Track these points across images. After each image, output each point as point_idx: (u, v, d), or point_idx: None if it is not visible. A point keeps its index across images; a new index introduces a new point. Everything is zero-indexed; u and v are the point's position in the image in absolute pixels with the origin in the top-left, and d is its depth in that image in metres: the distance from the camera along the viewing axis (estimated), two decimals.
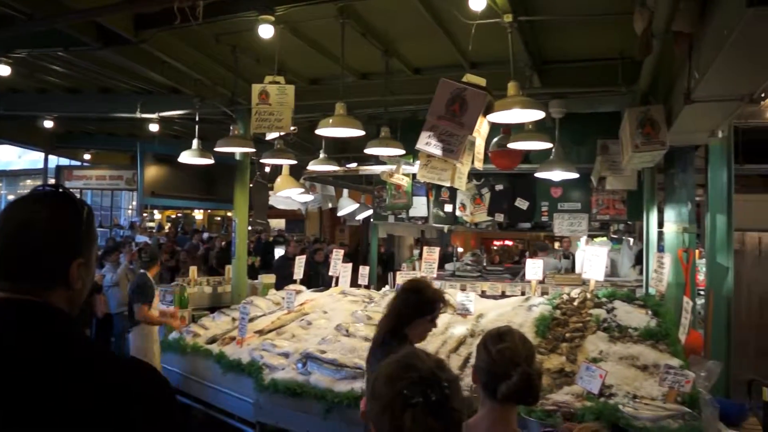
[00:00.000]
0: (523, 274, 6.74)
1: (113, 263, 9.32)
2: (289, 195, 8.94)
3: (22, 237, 1.32)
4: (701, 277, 6.99)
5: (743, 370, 6.62)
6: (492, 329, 2.25)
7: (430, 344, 4.86)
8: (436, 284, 7.51)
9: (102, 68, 7.77)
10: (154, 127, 9.77)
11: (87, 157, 17.78)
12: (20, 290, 1.30)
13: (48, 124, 10.84)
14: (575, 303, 5.34)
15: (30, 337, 1.26)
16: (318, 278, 10.27)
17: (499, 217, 8.71)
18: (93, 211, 1.44)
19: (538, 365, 2.25)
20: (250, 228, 12.07)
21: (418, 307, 3.11)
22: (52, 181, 16.23)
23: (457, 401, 1.50)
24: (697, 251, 6.70)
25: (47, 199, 1.37)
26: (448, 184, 5.78)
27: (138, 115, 8.82)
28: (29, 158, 22.26)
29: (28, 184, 22.83)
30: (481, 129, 4.83)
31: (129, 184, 16.82)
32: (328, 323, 5.78)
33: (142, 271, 6.77)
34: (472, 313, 5.42)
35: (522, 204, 8.56)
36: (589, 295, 5.41)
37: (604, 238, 10.34)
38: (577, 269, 9.45)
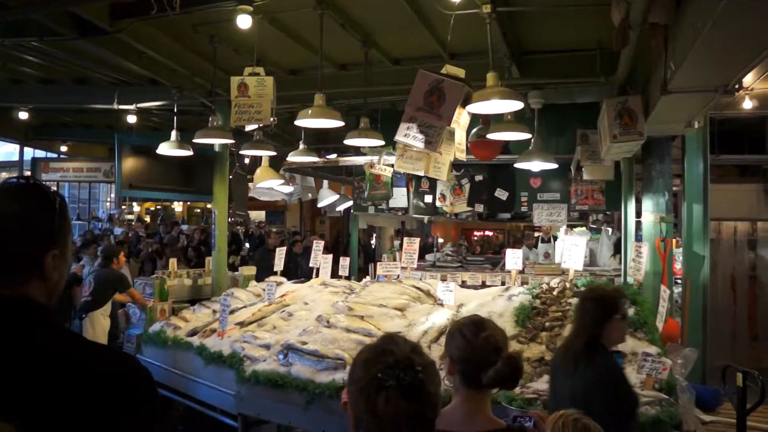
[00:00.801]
0: (503, 265, 6.79)
1: (91, 256, 9.23)
2: (269, 186, 8.90)
3: None
4: (678, 265, 7.09)
5: (719, 357, 6.76)
6: (463, 318, 2.27)
7: (410, 334, 4.89)
8: (416, 275, 7.59)
9: (78, 58, 7.64)
10: (131, 119, 9.64)
11: (63, 149, 17.52)
12: None
13: (23, 115, 10.65)
14: (555, 292, 5.39)
15: (6, 330, 1.25)
16: (297, 270, 10.26)
17: (479, 208, 8.76)
18: (65, 201, 1.43)
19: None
20: (230, 220, 12.00)
21: (604, 311, 2.96)
22: (27, 173, 15.97)
23: (433, 385, 1.54)
24: (674, 240, 6.80)
25: (18, 190, 1.36)
26: (422, 174, 5.81)
27: (115, 106, 8.68)
28: (4, 150, 21.84)
29: (3, 176, 22.40)
30: (461, 120, 4.84)
31: (107, 176, 16.61)
32: (308, 314, 5.78)
33: (105, 269, 7.18)
34: (453, 303, 5.45)
35: (502, 194, 8.61)
36: (568, 285, 5.47)
37: (583, 228, 10.45)
38: (557, 259, 9.54)
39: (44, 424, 1.17)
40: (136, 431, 1.27)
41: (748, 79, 5.95)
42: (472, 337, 2.12)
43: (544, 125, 7.04)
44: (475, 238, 22.52)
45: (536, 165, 6.79)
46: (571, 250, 5.80)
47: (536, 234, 12.23)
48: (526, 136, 5.94)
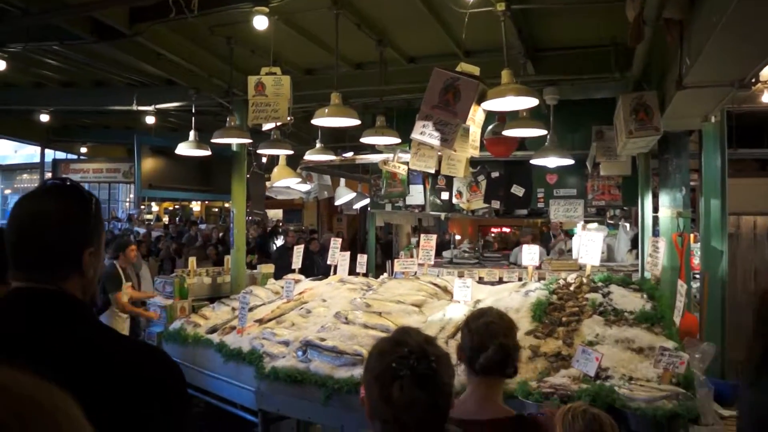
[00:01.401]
0: (521, 260, 6.81)
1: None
2: (286, 185, 8.98)
3: (35, 229, 1.37)
4: (696, 260, 7.06)
5: (738, 352, 6.71)
6: (474, 310, 2.31)
7: (428, 329, 4.93)
8: (433, 271, 7.62)
9: (97, 61, 7.76)
10: (150, 120, 9.76)
11: (83, 150, 17.74)
12: (36, 280, 1.35)
13: (44, 118, 10.83)
14: (572, 288, 5.39)
15: (50, 324, 1.31)
16: (313, 267, 10.35)
17: (496, 204, 8.78)
18: (99, 202, 1.51)
19: (517, 340, 2.31)
20: (249, 218, 12.10)
21: None
22: (48, 174, 16.20)
23: (446, 375, 1.59)
24: (692, 235, 6.76)
25: (57, 191, 1.43)
26: (433, 171, 5.84)
27: (134, 107, 8.80)
28: (25, 152, 22.23)
29: (25, 179, 22.79)
30: (476, 117, 4.87)
31: (126, 176, 16.79)
32: (327, 311, 5.84)
33: (108, 261, 7.13)
34: (470, 299, 5.48)
35: (518, 191, 8.62)
36: (585, 280, 5.46)
37: (596, 225, 10.42)
38: (574, 255, 9.52)
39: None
40: (170, 424, 1.33)
41: (766, 72, 5.91)
42: (473, 323, 2.17)
43: (560, 121, 7.04)
44: (492, 234, 22.44)
45: (552, 161, 6.79)
46: (588, 245, 5.79)
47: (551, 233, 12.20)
48: (542, 132, 5.95)
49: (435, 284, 6.05)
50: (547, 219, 9.36)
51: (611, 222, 10.47)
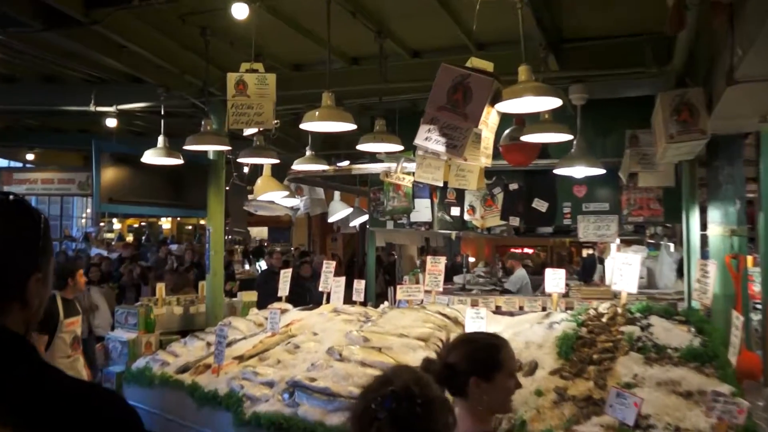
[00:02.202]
0: (544, 287, 6.81)
1: None
2: (271, 199, 9.01)
3: None
4: (756, 287, 7.00)
5: None
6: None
7: None
8: (442, 300, 7.61)
9: (47, 53, 7.74)
10: (111, 122, 9.80)
11: (30, 157, 17.65)
12: None
13: None
14: (604, 319, 5.39)
15: None
16: (305, 295, 10.35)
17: (515, 221, 8.78)
18: (48, 219, 1.51)
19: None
20: (228, 237, 12.10)
21: None
22: None
23: (433, 422, 1.60)
24: (749, 257, 6.73)
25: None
26: (441, 183, 5.85)
27: (92, 108, 8.77)
28: None
29: None
30: (489, 120, 4.90)
31: (82, 188, 16.76)
32: (318, 346, 5.84)
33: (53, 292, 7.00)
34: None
35: (540, 205, 8.63)
36: (620, 310, 5.45)
37: (634, 245, 10.41)
38: (607, 280, 9.51)
39: None
40: None
41: None
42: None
43: (588, 124, 7.06)
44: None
45: (580, 170, 6.80)
46: (623, 269, 5.77)
47: (585, 254, 12.20)
48: (567, 137, 5.97)
49: (444, 315, 6.06)
50: (576, 237, 9.35)
51: (651, 241, 10.48)
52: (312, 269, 11.86)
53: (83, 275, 7.26)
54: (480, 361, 2.56)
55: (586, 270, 12.36)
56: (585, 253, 17.39)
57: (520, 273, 10.93)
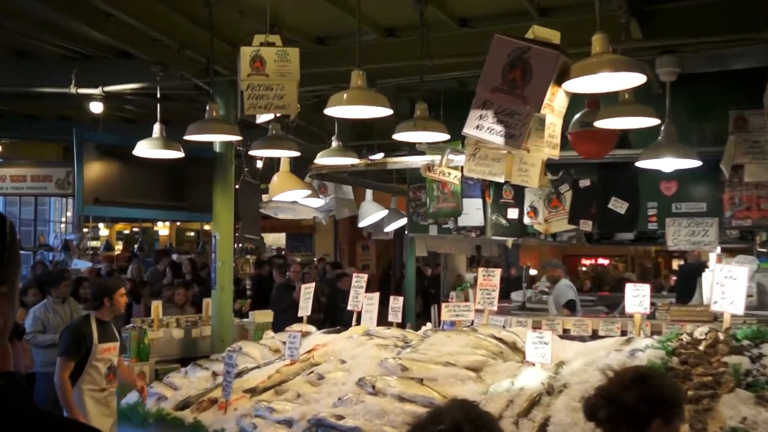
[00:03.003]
0: (623, 306, 6.79)
1: (57, 297, 9.61)
2: (291, 199, 9.09)
3: None
4: None
5: None
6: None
7: (490, 404, 4.96)
8: (497, 321, 7.62)
9: (15, 22, 7.82)
10: (96, 107, 9.89)
11: None
12: None
13: None
14: (701, 347, 5.34)
15: None
16: (338, 315, 10.40)
17: (586, 226, 8.74)
18: (14, 224, 1.56)
19: None
20: (238, 245, 12.17)
21: None
22: None
23: None
24: None
25: None
26: (501, 179, 5.85)
27: (72, 89, 8.84)
28: None
29: None
30: (555, 103, 4.92)
31: (62, 187, 16.81)
32: (346, 377, 5.90)
33: (86, 312, 7.03)
34: (549, 362, 5.50)
35: (619, 206, 8.59)
36: (722, 336, 5.41)
37: (740, 255, 10.27)
38: (705, 298, 9.42)
39: None
40: None
41: None
42: None
43: (680, 106, 7.03)
44: (583, 268, 22.32)
45: (669, 163, 6.77)
46: (726, 285, 5.74)
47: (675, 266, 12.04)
48: (653, 121, 5.95)
49: (500, 339, 6.08)
50: (663, 245, 9.29)
51: (762, 250, 10.32)
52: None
53: (124, 294, 7.20)
54: (664, 403, 2.74)
55: (684, 283, 11.88)
56: (676, 265, 17.22)
57: (564, 285, 10.55)
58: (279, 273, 13.26)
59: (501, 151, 5.09)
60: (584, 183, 8.72)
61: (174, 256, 17.78)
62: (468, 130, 4.67)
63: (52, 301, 9.55)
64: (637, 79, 4.86)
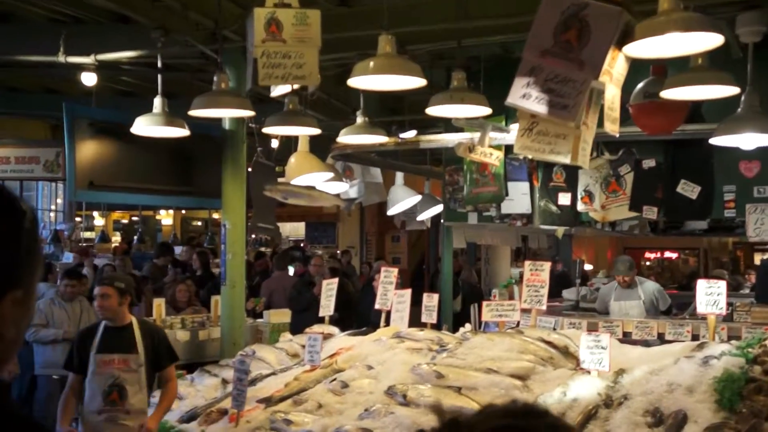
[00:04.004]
0: (694, 307, 6.73)
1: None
2: (310, 184, 9.10)
3: None
4: None
5: None
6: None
7: None
8: (547, 322, 7.57)
9: None
10: (88, 79, 9.97)
11: None
12: None
13: None
14: None
15: None
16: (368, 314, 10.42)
17: (650, 213, 8.69)
18: (37, 216, 1.54)
19: None
20: (252, 237, 12.23)
21: None
22: None
23: None
24: None
25: None
26: (567, 161, 5.78)
27: (61, 57, 8.91)
28: None
29: None
30: (615, 69, 4.87)
31: (50, 169, 16.87)
32: (374, 385, 5.90)
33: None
34: (607, 369, 5.46)
35: (689, 190, 8.52)
36: None
37: None
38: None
39: None
40: None
41: None
42: None
43: (765, 71, 6.93)
44: (647, 263, 22.20)
45: (750, 139, 6.69)
46: None
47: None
48: (732, 90, 5.88)
49: (549, 343, 6.05)
50: (743, 236, 9.20)
51: None
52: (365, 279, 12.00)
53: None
54: None
55: (767, 281, 11.71)
56: (758, 259, 17.07)
57: (607, 288, 10.08)
58: (281, 264, 13.37)
59: (568, 126, 5.02)
60: (648, 163, 8.66)
61: (177, 250, 17.79)
62: (512, 99, 4.63)
63: (60, 293, 9.65)
64: (712, 40, 4.80)
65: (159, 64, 8.09)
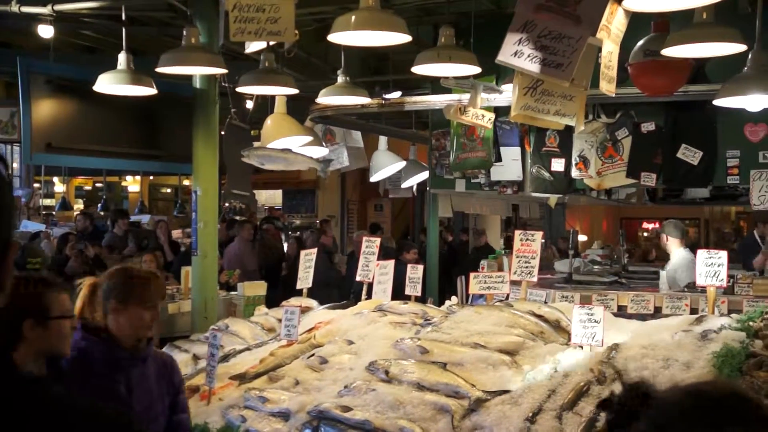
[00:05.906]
0: (694, 280, 6.77)
1: None
2: (286, 147, 9.10)
3: None
4: None
5: None
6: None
7: (528, 394, 4.99)
8: (538, 295, 7.59)
9: None
10: (45, 31, 9.88)
11: None
12: None
13: None
14: None
15: None
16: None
17: (649, 180, 8.70)
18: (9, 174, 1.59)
19: None
20: (226, 205, 12.19)
21: None
22: None
23: None
24: None
25: None
26: (571, 123, 5.76)
27: (14, 7, 8.80)
28: None
29: None
30: (613, 24, 4.89)
31: (5, 131, 16.77)
32: (354, 361, 5.92)
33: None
34: (601, 345, 5.52)
35: (690, 155, 8.55)
36: None
37: None
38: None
39: None
40: None
41: None
42: None
43: None
44: (645, 233, 22.28)
45: (757, 100, 6.71)
46: None
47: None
48: (737, 48, 5.90)
49: (540, 316, 6.10)
50: (747, 205, 9.26)
51: None
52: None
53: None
54: None
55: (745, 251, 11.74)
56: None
57: (682, 256, 9.36)
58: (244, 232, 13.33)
59: (576, 86, 5.01)
60: (647, 127, 8.67)
61: (144, 219, 17.68)
62: (503, 57, 4.65)
63: None
64: None
65: (123, 17, 8.00)
